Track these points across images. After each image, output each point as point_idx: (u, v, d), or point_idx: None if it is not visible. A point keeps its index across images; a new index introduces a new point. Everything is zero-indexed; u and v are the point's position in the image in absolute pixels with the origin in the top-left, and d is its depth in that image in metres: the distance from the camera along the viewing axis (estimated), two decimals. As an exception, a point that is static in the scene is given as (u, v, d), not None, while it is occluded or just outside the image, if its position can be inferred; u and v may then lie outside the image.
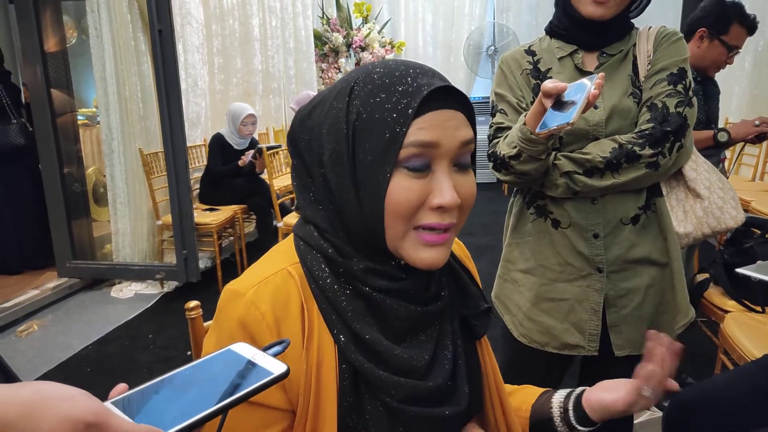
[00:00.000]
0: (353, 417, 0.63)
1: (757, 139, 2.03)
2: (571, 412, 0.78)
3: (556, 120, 0.94)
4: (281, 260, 0.68)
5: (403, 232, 0.62)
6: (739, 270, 1.38)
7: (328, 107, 0.64)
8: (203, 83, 4.23)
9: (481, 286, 0.84)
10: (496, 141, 1.23)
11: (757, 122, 1.98)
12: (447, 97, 0.61)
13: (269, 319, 0.62)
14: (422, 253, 0.62)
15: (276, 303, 0.63)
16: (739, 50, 2.06)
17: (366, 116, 0.60)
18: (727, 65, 2.11)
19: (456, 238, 0.82)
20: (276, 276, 0.65)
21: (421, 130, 0.59)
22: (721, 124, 2.61)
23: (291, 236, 0.72)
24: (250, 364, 0.49)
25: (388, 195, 0.60)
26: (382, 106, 0.60)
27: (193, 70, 4.05)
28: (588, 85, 0.93)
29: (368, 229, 0.63)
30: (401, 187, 0.60)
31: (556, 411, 0.80)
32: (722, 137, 1.98)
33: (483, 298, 0.76)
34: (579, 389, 0.81)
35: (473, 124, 0.64)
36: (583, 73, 1.20)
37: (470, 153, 0.64)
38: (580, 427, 0.78)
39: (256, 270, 0.68)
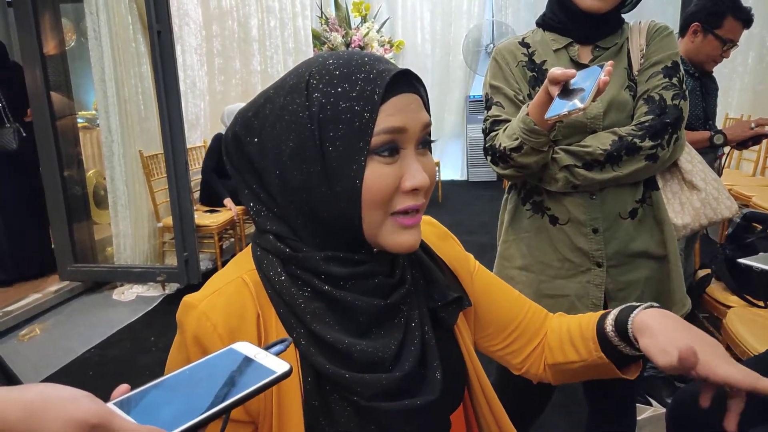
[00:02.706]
0: (321, 421, 0.62)
1: (752, 142, 2.02)
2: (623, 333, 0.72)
3: (565, 106, 0.93)
4: (237, 269, 0.68)
5: (380, 219, 0.62)
6: (741, 260, 1.39)
7: (282, 104, 0.62)
8: (202, 84, 4.23)
9: (457, 267, 0.81)
10: (494, 134, 1.22)
11: (753, 125, 1.97)
12: (405, 81, 0.62)
13: (221, 330, 0.61)
14: (400, 237, 0.63)
15: (230, 313, 0.62)
16: (736, 44, 2.05)
17: (330, 107, 0.59)
18: (725, 59, 2.11)
19: (432, 219, 0.83)
20: (229, 285, 0.65)
21: (389, 116, 0.60)
22: (720, 120, 2.61)
23: (251, 244, 0.71)
24: (253, 363, 0.49)
25: (364, 184, 0.59)
26: (347, 95, 0.59)
27: (191, 72, 4.05)
28: (598, 71, 0.93)
29: (343, 221, 0.62)
30: (376, 175, 0.60)
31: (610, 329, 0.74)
32: (718, 140, 1.98)
33: (454, 288, 0.75)
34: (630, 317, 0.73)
35: (427, 107, 0.66)
36: (579, 65, 1.20)
37: (429, 134, 0.66)
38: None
39: (214, 280, 0.67)
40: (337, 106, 0.59)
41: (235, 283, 0.65)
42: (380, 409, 0.61)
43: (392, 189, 0.61)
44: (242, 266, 0.68)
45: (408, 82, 0.62)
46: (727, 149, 2.38)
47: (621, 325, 0.73)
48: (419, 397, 0.64)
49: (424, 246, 0.77)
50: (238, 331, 0.62)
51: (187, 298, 0.65)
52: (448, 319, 0.73)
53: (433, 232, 0.83)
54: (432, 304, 0.72)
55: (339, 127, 0.59)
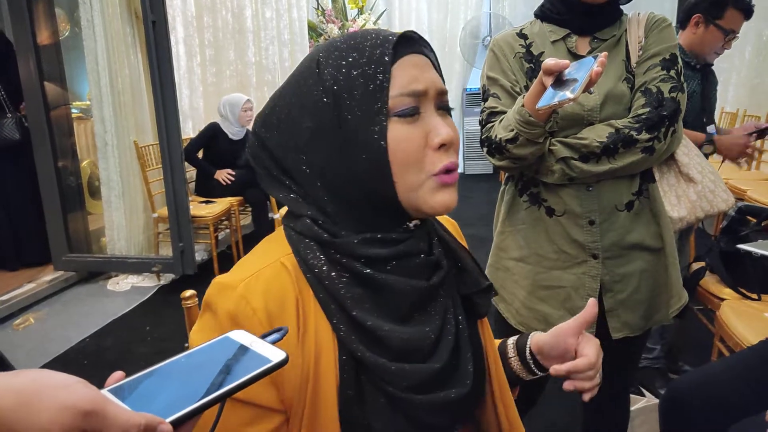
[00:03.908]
0: (354, 409, 0.61)
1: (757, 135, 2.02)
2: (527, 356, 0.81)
3: (556, 96, 0.93)
4: (273, 251, 0.65)
5: (418, 182, 0.61)
6: (741, 246, 1.40)
7: (293, 92, 0.63)
8: (194, 75, 4.20)
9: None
10: (490, 125, 1.22)
11: (752, 133, 1.97)
12: (413, 45, 0.62)
13: (261, 315, 0.59)
14: (440, 196, 0.61)
15: (269, 298, 0.60)
16: (737, 34, 2.05)
17: (343, 77, 0.60)
18: (725, 51, 2.11)
19: (449, 217, 0.82)
20: (268, 268, 0.62)
21: (404, 76, 0.60)
22: (716, 115, 2.60)
23: (281, 227, 0.69)
24: (249, 352, 0.48)
25: (389, 146, 0.59)
26: (357, 62, 0.60)
27: (183, 63, 4.02)
28: (591, 62, 0.93)
29: (375, 190, 0.61)
30: (400, 135, 0.59)
31: (511, 352, 0.82)
32: (707, 149, 1.98)
33: (482, 275, 0.74)
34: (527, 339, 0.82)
35: (439, 71, 0.65)
36: (577, 57, 1.19)
37: (447, 101, 0.65)
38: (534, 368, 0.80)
39: (247, 262, 0.65)
40: (350, 74, 0.59)
41: (274, 267, 0.63)
42: (414, 401, 0.61)
43: (420, 147, 0.60)
44: (277, 249, 0.65)
45: (415, 45, 0.63)
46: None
47: (522, 338, 0.82)
48: (453, 390, 0.63)
49: (449, 235, 0.76)
50: (278, 318, 0.60)
51: (223, 279, 0.63)
52: (483, 306, 0.73)
53: (453, 228, 0.83)
54: (465, 290, 0.71)
55: (354, 93, 0.59)
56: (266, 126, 0.66)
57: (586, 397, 0.73)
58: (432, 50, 0.65)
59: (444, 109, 0.64)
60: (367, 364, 0.60)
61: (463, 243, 0.83)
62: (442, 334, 0.65)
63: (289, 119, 0.63)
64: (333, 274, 0.61)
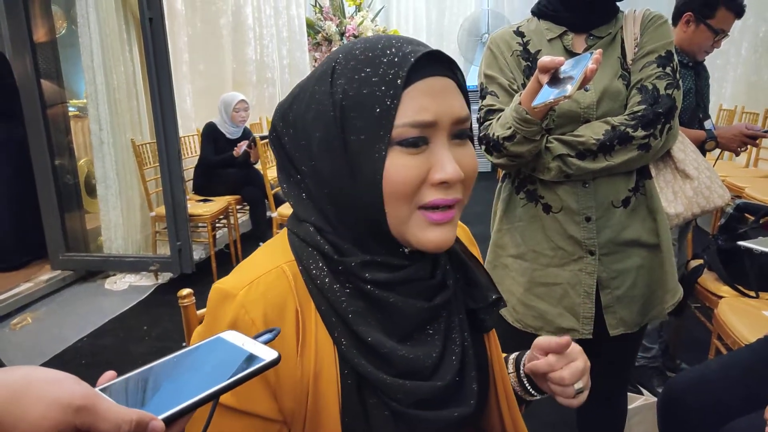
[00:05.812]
0: (358, 423, 0.60)
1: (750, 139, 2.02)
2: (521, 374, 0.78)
3: (552, 94, 0.93)
4: (275, 257, 0.63)
5: (407, 214, 0.58)
6: (741, 243, 1.40)
7: (310, 94, 0.60)
8: (190, 72, 4.18)
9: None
10: (487, 123, 1.22)
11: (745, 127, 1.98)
12: (435, 64, 0.58)
13: (259, 326, 0.58)
14: (429, 234, 0.58)
15: (268, 307, 0.58)
16: (727, 34, 2.05)
17: (353, 94, 0.56)
18: (716, 50, 2.11)
19: (460, 222, 0.77)
20: (269, 275, 0.61)
21: (417, 106, 0.56)
22: (713, 111, 2.60)
23: (284, 231, 0.67)
24: (241, 351, 0.49)
25: (385, 175, 0.55)
26: (369, 80, 0.56)
27: (179, 59, 4.01)
28: (587, 59, 0.93)
29: (368, 215, 0.58)
30: (398, 165, 0.55)
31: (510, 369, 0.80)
32: (710, 146, 1.98)
33: (492, 288, 0.71)
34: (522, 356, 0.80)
35: (465, 94, 0.61)
36: (573, 54, 1.19)
37: (466, 129, 0.61)
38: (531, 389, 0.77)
39: (248, 267, 0.63)
40: (360, 91, 0.56)
41: (275, 273, 0.61)
42: (418, 417, 0.60)
43: (417, 181, 0.56)
44: (280, 255, 0.63)
45: (439, 64, 0.58)
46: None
47: (520, 355, 0.80)
48: (457, 409, 0.62)
49: (460, 245, 0.74)
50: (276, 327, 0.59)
51: (223, 285, 0.61)
52: (488, 321, 0.70)
53: (465, 234, 0.81)
54: (472, 305, 0.69)
55: (361, 114, 0.56)
56: (284, 121, 0.64)
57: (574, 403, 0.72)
58: (458, 70, 0.60)
59: (460, 137, 0.60)
60: (368, 378, 0.59)
61: (474, 248, 0.80)
62: (445, 354, 0.63)
63: (304, 121, 0.60)
64: (336, 286, 0.59)
